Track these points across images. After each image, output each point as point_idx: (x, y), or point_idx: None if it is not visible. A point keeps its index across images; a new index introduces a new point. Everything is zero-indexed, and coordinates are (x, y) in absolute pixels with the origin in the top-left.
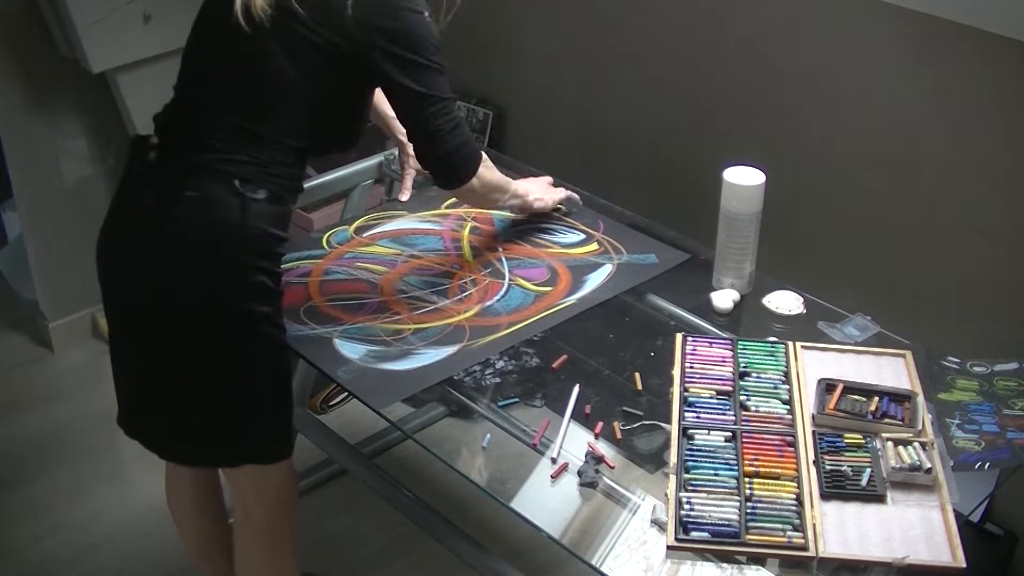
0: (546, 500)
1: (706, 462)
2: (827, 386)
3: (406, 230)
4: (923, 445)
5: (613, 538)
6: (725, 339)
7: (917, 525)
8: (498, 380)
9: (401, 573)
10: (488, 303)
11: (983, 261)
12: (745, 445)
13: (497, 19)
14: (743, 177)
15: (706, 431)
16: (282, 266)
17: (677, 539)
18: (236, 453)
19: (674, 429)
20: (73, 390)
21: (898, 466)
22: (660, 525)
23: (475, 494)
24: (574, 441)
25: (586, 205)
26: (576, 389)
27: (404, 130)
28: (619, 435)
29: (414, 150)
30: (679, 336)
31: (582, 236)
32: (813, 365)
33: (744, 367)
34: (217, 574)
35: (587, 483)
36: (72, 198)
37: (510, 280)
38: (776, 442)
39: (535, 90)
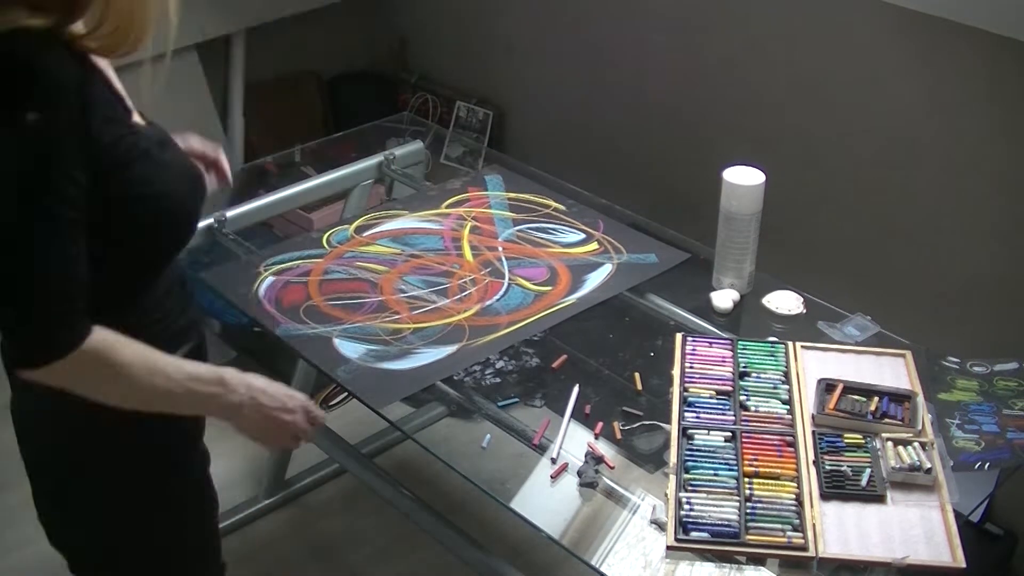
0: (546, 500)
1: (706, 462)
2: (827, 386)
3: (406, 229)
4: (923, 445)
5: (613, 538)
6: (725, 339)
7: (917, 525)
8: (498, 380)
9: (401, 573)
10: (488, 302)
11: (983, 261)
12: (745, 445)
13: (497, 19)
14: (743, 177)
15: (706, 431)
16: (282, 266)
17: (677, 539)
18: None
19: (674, 429)
20: None
21: (898, 466)
22: (660, 525)
23: (475, 494)
24: (574, 441)
25: (586, 205)
26: (576, 389)
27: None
28: (619, 435)
29: None
30: (679, 336)
31: (582, 236)
32: (813, 365)
33: (744, 367)
34: None
35: (587, 483)
36: None
37: (510, 280)
38: (776, 442)
39: (535, 90)
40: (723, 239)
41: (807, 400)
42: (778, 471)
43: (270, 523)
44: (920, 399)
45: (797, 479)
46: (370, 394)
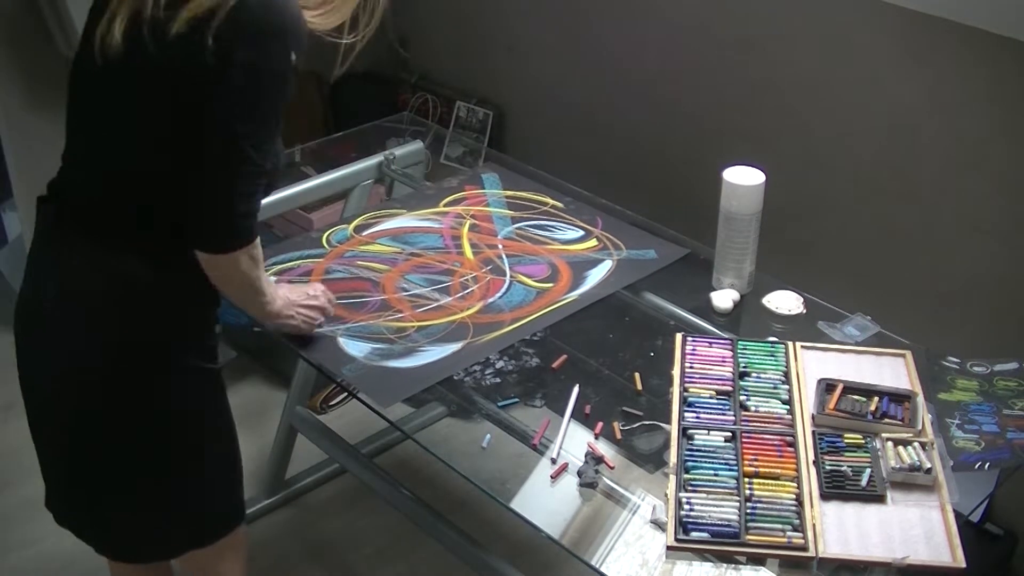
0: (546, 500)
1: (706, 462)
2: (827, 386)
3: (406, 228)
4: (923, 445)
5: (613, 538)
6: (725, 339)
7: (917, 525)
8: (498, 380)
9: (401, 573)
10: (490, 300)
11: (983, 261)
12: (745, 445)
13: (497, 19)
14: (743, 177)
15: (706, 431)
16: (283, 266)
17: (677, 539)
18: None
19: (674, 429)
20: None
21: (898, 466)
22: (660, 525)
23: (475, 494)
24: (574, 441)
25: (586, 204)
26: (576, 389)
27: None
28: (619, 435)
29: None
30: (679, 336)
31: (581, 232)
32: (813, 365)
33: (744, 367)
34: None
35: (587, 483)
36: None
37: (511, 277)
38: (776, 442)
39: (535, 90)
40: (723, 239)
41: (807, 400)
42: (778, 471)
43: (270, 523)
44: (920, 399)
45: (797, 479)
46: (378, 392)
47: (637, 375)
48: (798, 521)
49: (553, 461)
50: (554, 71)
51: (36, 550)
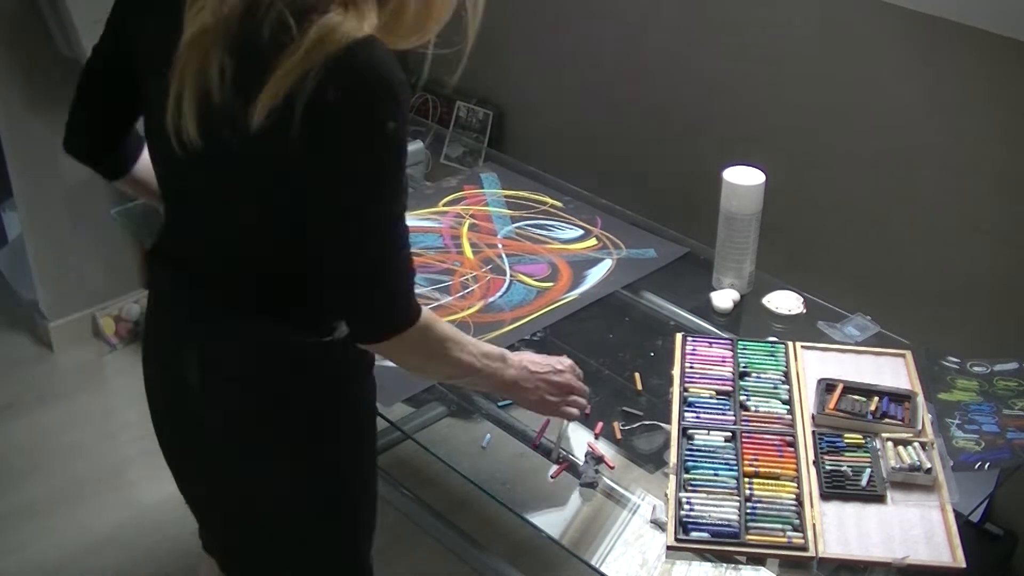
0: (546, 500)
1: (706, 462)
2: (827, 386)
3: None
4: (923, 445)
5: (613, 538)
6: (725, 339)
7: (917, 525)
8: None
9: (401, 573)
10: (491, 299)
11: (983, 261)
12: (745, 445)
13: (497, 19)
14: (743, 177)
15: (706, 431)
16: None
17: (677, 539)
18: None
19: (674, 429)
20: (73, 390)
21: (898, 466)
22: (660, 525)
23: (475, 494)
24: (574, 441)
25: (585, 204)
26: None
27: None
28: (619, 435)
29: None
30: (679, 336)
31: (580, 232)
32: (813, 365)
33: (744, 367)
34: None
35: (587, 483)
36: (72, 198)
37: (511, 276)
38: (776, 442)
39: (535, 90)
40: (723, 239)
41: (807, 400)
42: (778, 471)
43: None
44: (920, 399)
45: (797, 479)
46: (380, 391)
47: (637, 375)
48: (798, 521)
49: (553, 461)
50: (554, 71)
51: (36, 549)
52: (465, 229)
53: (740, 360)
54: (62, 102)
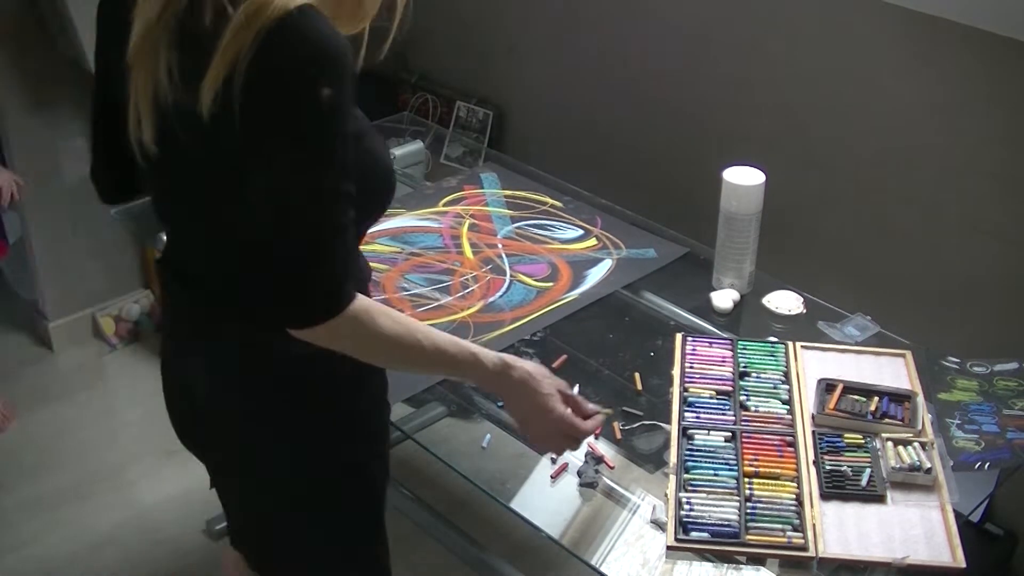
0: (546, 500)
1: (706, 462)
2: (827, 386)
3: (405, 228)
4: (923, 445)
5: (613, 538)
6: (725, 339)
7: (917, 525)
8: None
9: (401, 573)
10: (491, 299)
11: (983, 261)
12: (745, 445)
13: (497, 19)
14: (743, 177)
15: (706, 431)
16: None
17: (677, 539)
18: None
19: (674, 429)
20: (73, 390)
21: (898, 466)
22: (660, 525)
23: (475, 494)
24: None
25: (585, 204)
26: (576, 389)
27: None
28: (619, 435)
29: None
30: (679, 336)
31: (580, 232)
32: (813, 365)
33: (744, 367)
34: None
35: (587, 483)
36: (72, 198)
37: (511, 276)
38: (776, 442)
39: (535, 90)
40: (723, 239)
41: (807, 400)
42: (778, 471)
43: None
44: (920, 399)
45: (797, 479)
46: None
47: (637, 375)
48: (798, 521)
49: (553, 461)
50: (554, 71)
51: (36, 549)
52: (465, 229)
53: (740, 360)
54: (62, 102)
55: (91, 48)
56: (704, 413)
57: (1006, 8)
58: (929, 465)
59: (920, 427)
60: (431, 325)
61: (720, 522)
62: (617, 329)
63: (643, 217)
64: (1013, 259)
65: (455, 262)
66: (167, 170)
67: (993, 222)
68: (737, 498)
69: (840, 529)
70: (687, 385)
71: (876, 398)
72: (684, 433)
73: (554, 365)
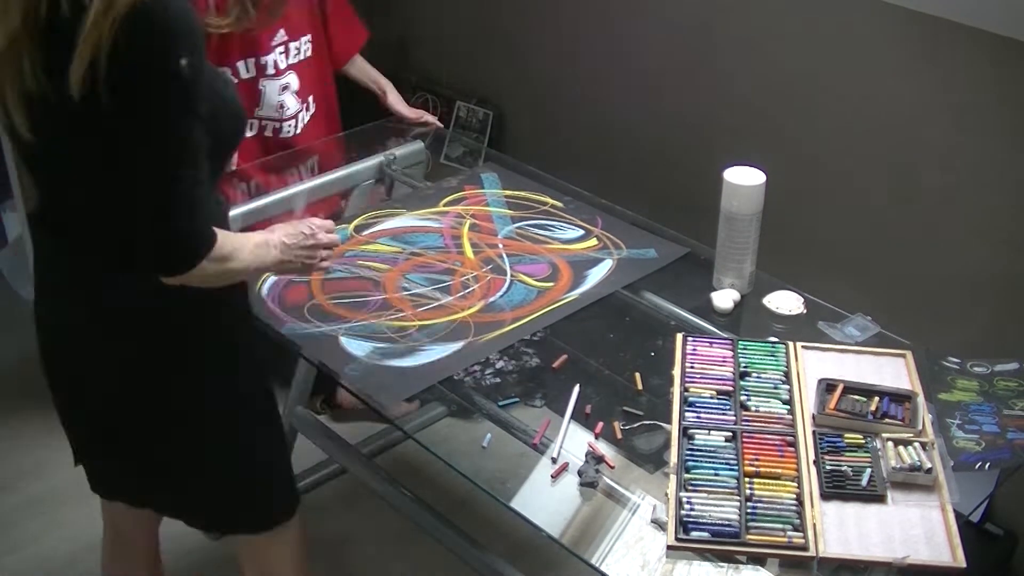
0: (546, 500)
1: (706, 462)
2: (827, 386)
3: (406, 228)
4: (923, 445)
5: (613, 538)
6: (725, 339)
7: (917, 525)
8: (498, 380)
9: (401, 573)
10: (491, 299)
11: (983, 261)
12: (745, 445)
13: (497, 19)
14: (743, 177)
15: (706, 431)
16: None
17: (677, 539)
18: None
19: (674, 429)
20: None
21: (898, 466)
22: (660, 525)
23: (475, 494)
24: (574, 441)
25: (586, 204)
26: (576, 389)
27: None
28: (619, 435)
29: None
30: (679, 336)
31: (581, 232)
32: (813, 365)
33: (744, 367)
34: None
35: (587, 483)
36: None
37: (512, 276)
38: (776, 442)
39: (535, 90)
40: (723, 239)
41: (807, 400)
42: (779, 471)
43: None
44: (920, 399)
45: (797, 479)
46: (381, 391)
47: (637, 375)
48: (798, 521)
49: (553, 461)
50: (554, 71)
51: (36, 549)
52: (466, 229)
53: (740, 360)
54: None
55: None
56: (704, 413)
57: (1007, 8)
58: (929, 465)
59: (920, 427)
60: (431, 325)
61: (720, 522)
62: (617, 329)
63: (643, 217)
64: (1013, 259)
65: (456, 262)
66: (40, 148)
67: (994, 223)
68: (737, 498)
69: (840, 529)
70: (687, 385)
71: (876, 398)
72: (684, 433)
73: (554, 365)
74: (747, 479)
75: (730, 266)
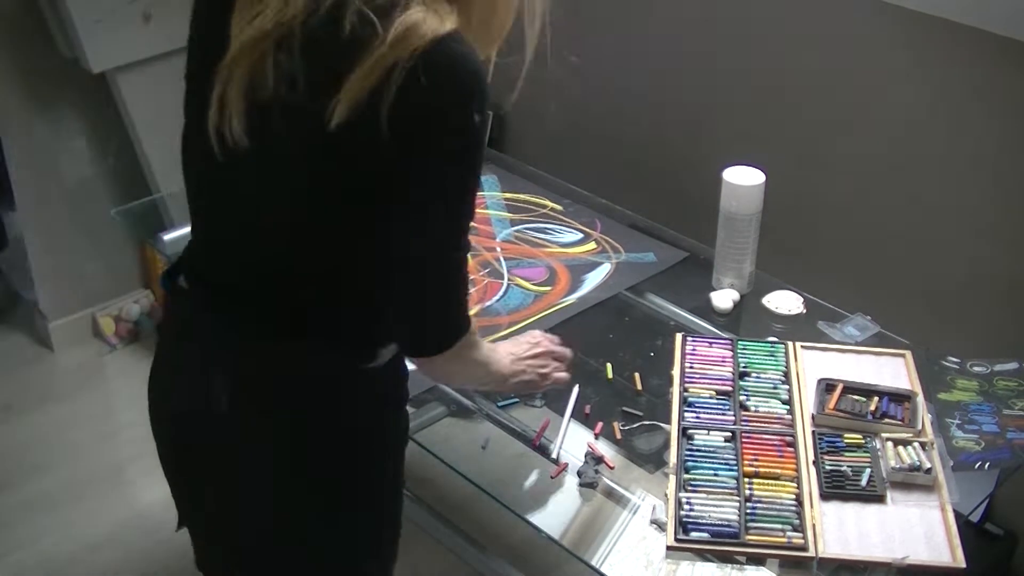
0: (546, 500)
1: (706, 462)
2: (827, 386)
3: None
4: (923, 445)
5: (613, 538)
6: (725, 339)
7: (917, 525)
8: None
9: (401, 573)
10: (488, 303)
11: (983, 261)
12: (745, 445)
13: None
14: (743, 177)
15: (706, 431)
16: None
17: (677, 539)
18: None
19: (674, 429)
20: (73, 390)
21: (898, 466)
22: (660, 525)
23: (475, 494)
24: (574, 441)
25: (585, 205)
26: (576, 389)
27: None
28: (619, 435)
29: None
30: (679, 336)
31: (580, 235)
32: (813, 365)
33: (744, 367)
34: None
35: (587, 483)
36: (72, 198)
37: (509, 280)
38: (776, 442)
39: (535, 90)
40: (723, 239)
41: (807, 400)
42: (778, 471)
43: None
44: (920, 399)
45: (797, 479)
46: None
47: (637, 375)
48: (798, 521)
49: (553, 461)
50: (554, 71)
51: (36, 549)
52: None
53: (740, 360)
54: (62, 102)
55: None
56: (704, 413)
57: (1007, 9)
58: (929, 465)
59: (920, 427)
60: None
61: (720, 522)
62: (617, 329)
63: (643, 217)
64: (1013, 259)
65: None
66: (251, 169)
67: (993, 222)
68: (737, 498)
69: (840, 529)
70: (687, 385)
71: (876, 398)
72: (684, 433)
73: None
74: (746, 479)
75: (730, 266)
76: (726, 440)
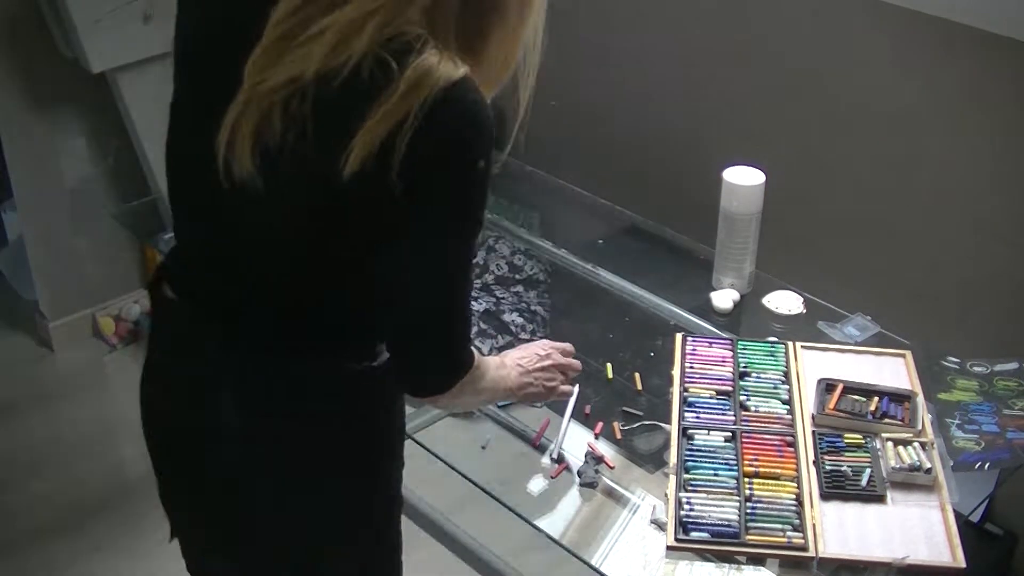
0: (546, 500)
1: (706, 462)
2: (827, 386)
3: None
4: (923, 445)
5: (613, 538)
6: (725, 339)
7: (917, 525)
8: None
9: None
10: None
11: (983, 261)
12: (745, 445)
13: None
14: (743, 177)
15: (706, 431)
16: None
17: (677, 539)
18: None
19: (674, 429)
20: (73, 390)
21: (898, 466)
22: (660, 525)
23: (475, 494)
24: (574, 441)
25: (585, 206)
26: (576, 389)
27: None
28: (619, 435)
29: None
30: (679, 336)
31: None
32: (813, 365)
33: (744, 367)
34: None
35: (587, 483)
36: (72, 198)
37: None
38: (776, 442)
39: (535, 90)
40: (723, 239)
41: (807, 400)
42: (778, 471)
43: None
44: (920, 399)
45: (797, 479)
46: None
47: (637, 375)
48: (798, 521)
49: (553, 461)
50: (554, 71)
51: (36, 549)
52: None
53: (740, 360)
54: (62, 102)
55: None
56: (704, 413)
57: (1006, 8)
58: (929, 465)
59: (920, 427)
60: None
61: (720, 522)
62: (617, 329)
63: (643, 217)
64: (1013, 259)
65: None
66: (255, 198)
67: (993, 222)
68: (737, 498)
69: (840, 529)
70: (687, 385)
71: (876, 398)
72: (684, 433)
73: None
74: (746, 479)
75: (730, 266)
76: (726, 440)
